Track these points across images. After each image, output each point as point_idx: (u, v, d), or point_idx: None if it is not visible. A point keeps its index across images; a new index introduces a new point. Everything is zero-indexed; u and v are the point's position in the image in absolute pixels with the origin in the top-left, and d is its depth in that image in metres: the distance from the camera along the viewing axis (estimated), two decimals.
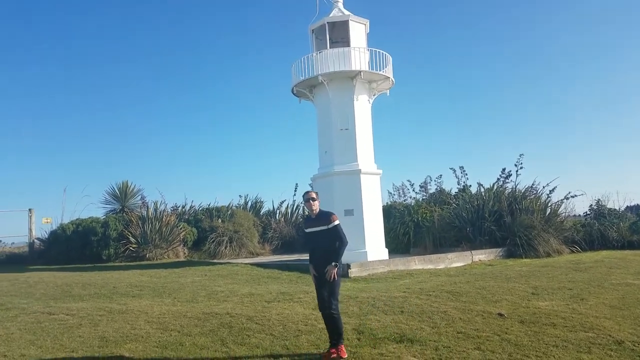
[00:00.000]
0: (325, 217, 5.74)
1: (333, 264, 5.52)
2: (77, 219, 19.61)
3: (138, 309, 8.25)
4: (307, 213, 6.30)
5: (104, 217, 20.18)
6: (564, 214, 17.61)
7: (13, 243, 22.18)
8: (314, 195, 5.83)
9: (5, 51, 66.13)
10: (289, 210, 23.67)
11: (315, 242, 5.71)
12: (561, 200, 17.60)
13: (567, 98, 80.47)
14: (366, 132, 15.31)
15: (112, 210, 21.33)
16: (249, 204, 23.84)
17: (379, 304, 7.93)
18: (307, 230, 5.86)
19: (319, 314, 7.35)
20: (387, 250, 15.09)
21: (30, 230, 20.10)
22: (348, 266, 12.01)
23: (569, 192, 17.77)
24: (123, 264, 17.69)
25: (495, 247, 15.74)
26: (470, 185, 19.70)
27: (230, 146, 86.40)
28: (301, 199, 24.06)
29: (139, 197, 21.83)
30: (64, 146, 71.00)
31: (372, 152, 15.46)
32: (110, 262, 18.14)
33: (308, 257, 5.90)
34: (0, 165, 63.20)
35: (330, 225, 5.64)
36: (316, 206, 5.79)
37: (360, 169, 14.54)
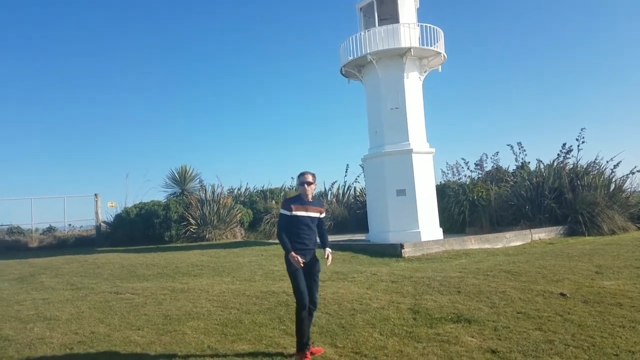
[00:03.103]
0: (319, 203, 5.37)
1: (330, 249, 5.29)
2: (139, 203, 20.52)
3: (199, 287, 8.58)
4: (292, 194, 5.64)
5: (165, 200, 21.04)
6: (629, 190, 16.73)
7: (81, 226, 23.46)
8: (311, 179, 5.22)
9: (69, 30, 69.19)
10: (341, 191, 23.74)
11: (307, 228, 5.12)
12: (626, 175, 16.75)
13: (630, 69, 75.54)
14: (417, 110, 15.01)
15: (172, 194, 22.20)
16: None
17: (435, 284, 7.86)
18: (299, 214, 5.09)
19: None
20: (441, 230, 14.88)
21: (97, 214, 21.19)
22: (401, 246, 11.96)
23: (635, 167, 16.82)
24: (184, 244, 18.39)
25: (555, 225, 15.20)
26: (529, 162, 19.06)
27: (281, 128, 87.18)
28: (353, 180, 24.13)
29: (197, 180, 22.64)
30: (125, 132, 73.97)
31: (424, 131, 15.18)
32: (172, 243, 18.90)
33: (285, 244, 5.02)
34: (67, 154, 66.74)
35: (323, 215, 5.33)
36: (312, 190, 5.24)
37: (411, 149, 14.32)
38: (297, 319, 4.97)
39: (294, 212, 5.08)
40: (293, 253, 4.96)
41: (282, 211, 5.16)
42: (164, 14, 77.01)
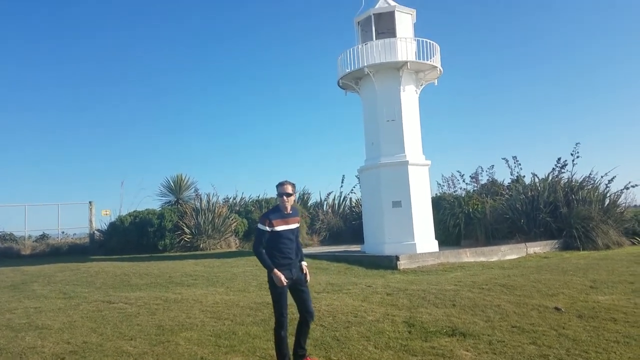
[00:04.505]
0: (296, 213, 5.14)
1: (305, 262, 5.13)
2: (134, 211, 20.37)
3: (193, 298, 8.52)
4: (275, 204, 5.16)
5: (159, 208, 20.90)
6: (624, 205, 16.86)
7: (75, 234, 23.27)
8: (290, 190, 4.98)
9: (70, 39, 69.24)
10: (336, 202, 23.75)
11: (290, 241, 4.93)
12: (621, 190, 16.91)
13: (624, 85, 76.31)
14: (413, 122, 15.09)
15: (167, 202, 22.08)
16: (297, 195, 24.07)
17: (430, 297, 7.84)
18: (280, 229, 4.87)
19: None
20: (437, 242, 14.88)
21: (91, 222, 21.04)
22: (397, 258, 11.95)
23: (629, 182, 17.00)
24: (178, 254, 18.27)
25: (550, 239, 15.27)
26: (524, 176, 19.15)
27: (276, 139, 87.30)
28: (348, 190, 24.11)
29: (193, 189, 22.53)
30: (120, 139, 73.90)
31: (419, 143, 15.24)
32: (165, 252, 18.77)
33: (265, 261, 4.86)
34: (62, 161, 66.52)
35: (298, 224, 5.13)
36: (291, 202, 5.00)
37: (407, 160, 14.37)
38: (277, 338, 4.88)
39: (276, 228, 4.85)
40: (276, 270, 4.78)
41: (261, 227, 4.88)
42: (158, 21, 77.33)
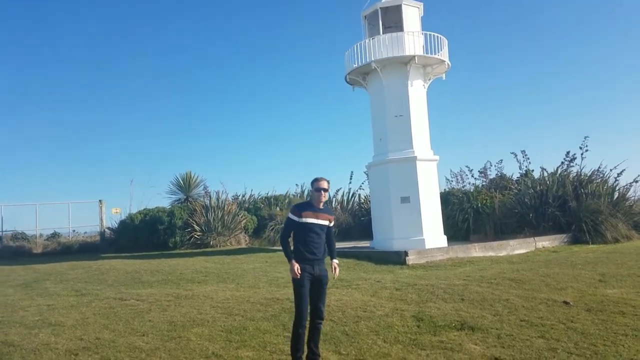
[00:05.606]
0: (329, 211, 5.19)
1: (337, 260, 5.18)
2: (144, 209, 20.57)
3: (204, 294, 8.61)
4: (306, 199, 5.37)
5: (169, 206, 21.11)
6: (633, 198, 16.76)
7: (86, 232, 23.55)
8: (326, 185, 5.08)
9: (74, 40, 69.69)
10: (345, 198, 23.78)
11: (317, 236, 4.97)
12: (630, 183, 16.74)
13: (632, 77, 75.42)
14: (421, 117, 15.06)
15: (177, 200, 22.25)
16: (305, 192, 24.15)
17: (439, 292, 7.87)
18: (309, 221, 4.95)
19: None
20: (445, 237, 14.88)
21: (101, 220, 21.28)
22: (405, 253, 11.97)
23: (639, 175, 16.85)
24: (188, 251, 18.44)
25: (559, 233, 15.20)
26: (533, 170, 19.09)
27: (285, 135, 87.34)
28: (357, 187, 24.17)
29: (202, 187, 22.70)
30: (130, 138, 74.33)
31: (428, 138, 15.22)
32: (176, 250, 18.95)
33: (287, 251, 5.00)
34: (72, 160, 67.07)
35: (332, 224, 5.17)
36: (325, 198, 5.11)
37: (415, 156, 14.35)
38: (294, 333, 4.90)
39: (304, 219, 4.91)
40: (293, 261, 4.85)
41: (291, 216, 5.00)
42: (166, 20, 77.60)
